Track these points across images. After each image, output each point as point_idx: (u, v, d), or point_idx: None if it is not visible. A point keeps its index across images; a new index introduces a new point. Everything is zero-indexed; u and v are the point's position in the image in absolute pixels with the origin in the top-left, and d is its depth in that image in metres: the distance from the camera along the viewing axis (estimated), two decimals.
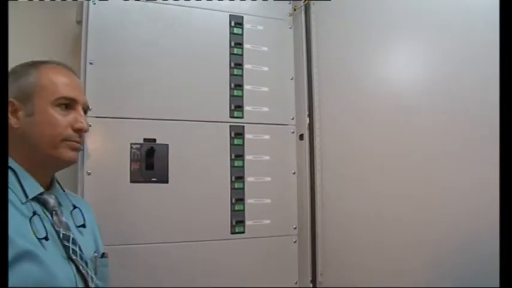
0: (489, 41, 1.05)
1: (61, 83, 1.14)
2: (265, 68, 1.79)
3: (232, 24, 1.75)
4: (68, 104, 1.14)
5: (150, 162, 1.56)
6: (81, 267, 1.08)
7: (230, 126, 1.70)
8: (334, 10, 1.72)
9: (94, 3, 1.54)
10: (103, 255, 1.25)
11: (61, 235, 1.08)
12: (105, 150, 1.52)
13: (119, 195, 1.52)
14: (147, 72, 1.59)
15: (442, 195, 1.23)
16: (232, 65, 1.73)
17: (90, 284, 1.10)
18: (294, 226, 1.78)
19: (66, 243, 1.08)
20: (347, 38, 1.64)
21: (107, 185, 1.51)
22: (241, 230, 1.68)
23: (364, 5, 1.57)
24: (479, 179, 1.12)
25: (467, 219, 1.16)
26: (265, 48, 1.80)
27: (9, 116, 1.09)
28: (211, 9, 1.72)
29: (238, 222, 1.68)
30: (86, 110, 1.21)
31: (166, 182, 1.58)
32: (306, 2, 1.80)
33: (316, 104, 1.75)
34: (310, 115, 1.77)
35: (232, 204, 1.67)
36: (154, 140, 1.58)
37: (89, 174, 1.48)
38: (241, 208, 1.69)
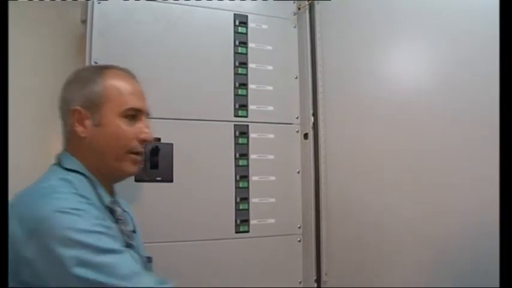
0: (489, 41, 1.05)
1: (128, 92, 1.13)
2: (270, 67, 1.78)
3: (237, 23, 1.75)
4: (134, 115, 1.14)
5: (154, 161, 1.57)
6: None
7: (234, 125, 1.70)
8: (338, 10, 1.71)
9: (98, 3, 1.54)
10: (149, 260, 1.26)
11: (125, 244, 1.09)
12: None
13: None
14: (151, 71, 1.59)
15: (443, 195, 1.22)
16: (237, 64, 1.73)
17: None
18: (299, 225, 1.77)
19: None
20: (351, 37, 1.64)
21: None
22: (246, 229, 1.68)
23: (367, 5, 1.56)
24: (480, 178, 1.11)
25: (467, 219, 1.15)
26: (269, 47, 1.79)
27: (76, 124, 1.09)
28: (216, 8, 1.72)
29: (242, 222, 1.68)
30: (147, 116, 1.20)
31: (171, 181, 1.59)
32: (310, 1, 1.80)
33: (320, 103, 1.75)
34: (315, 114, 1.76)
35: (236, 203, 1.68)
36: (159, 139, 1.57)
37: None
38: (246, 207, 1.69)
